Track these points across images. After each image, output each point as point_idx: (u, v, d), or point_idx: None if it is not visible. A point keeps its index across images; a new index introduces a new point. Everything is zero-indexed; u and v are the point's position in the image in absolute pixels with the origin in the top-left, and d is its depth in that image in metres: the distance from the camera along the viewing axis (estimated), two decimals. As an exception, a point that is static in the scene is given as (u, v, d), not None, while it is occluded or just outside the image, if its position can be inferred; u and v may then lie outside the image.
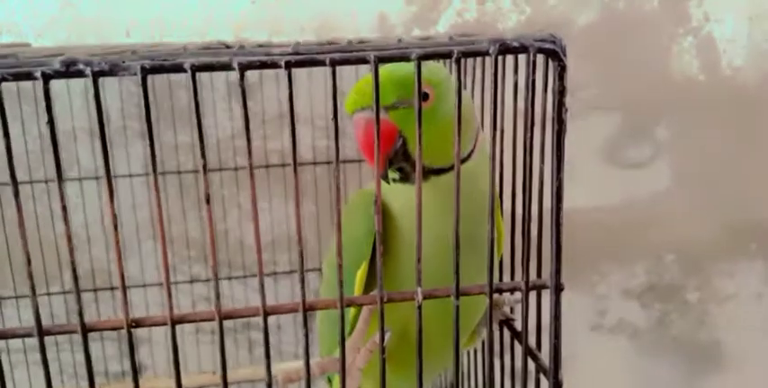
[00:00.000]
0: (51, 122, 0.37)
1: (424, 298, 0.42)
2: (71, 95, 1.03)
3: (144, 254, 1.09)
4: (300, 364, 0.45)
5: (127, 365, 1.11)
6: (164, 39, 1.06)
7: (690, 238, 1.24)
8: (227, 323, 1.18)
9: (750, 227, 1.25)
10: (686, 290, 1.26)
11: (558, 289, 0.43)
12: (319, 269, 1.12)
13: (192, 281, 1.09)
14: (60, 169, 0.38)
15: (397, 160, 0.51)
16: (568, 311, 0.45)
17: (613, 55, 1.15)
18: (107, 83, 1.04)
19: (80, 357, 1.09)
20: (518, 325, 0.56)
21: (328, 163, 1.10)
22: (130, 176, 1.04)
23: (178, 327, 1.09)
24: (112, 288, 1.07)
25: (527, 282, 0.44)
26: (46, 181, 1.02)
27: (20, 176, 1.04)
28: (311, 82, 1.06)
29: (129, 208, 1.06)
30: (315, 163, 1.09)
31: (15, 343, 1.06)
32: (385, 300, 0.42)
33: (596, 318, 1.25)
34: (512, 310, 0.58)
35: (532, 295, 0.47)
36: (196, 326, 1.11)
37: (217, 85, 1.07)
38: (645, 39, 1.16)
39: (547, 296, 0.46)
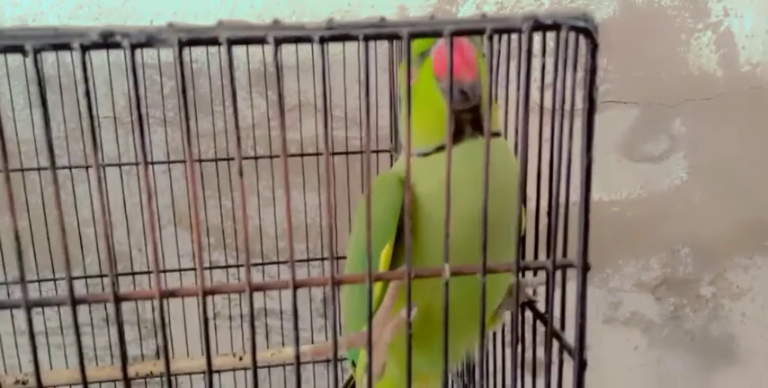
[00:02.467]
0: (88, 94, 0.38)
1: (452, 275, 0.43)
2: (95, 83, 1.04)
3: (163, 240, 1.10)
4: (327, 341, 0.46)
5: (146, 348, 1.13)
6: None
7: (705, 232, 1.24)
8: (245, 309, 1.19)
9: (765, 222, 1.25)
10: (700, 284, 1.26)
11: (585, 268, 0.44)
12: (337, 258, 1.13)
13: (210, 267, 1.10)
14: (96, 141, 0.39)
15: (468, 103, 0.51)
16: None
17: (631, 49, 1.15)
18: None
19: (100, 340, 1.10)
20: (540, 307, 0.56)
21: (345, 153, 1.10)
22: (152, 163, 1.05)
23: (195, 313, 1.10)
24: (134, 274, 1.08)
25: (554, 261, 0.44)
26: (69, 168, 1.03)
27: (43, 162, 1.06)
28: (328, 71, 1.06)
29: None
30: (332, 154, 1.10)
31: (38, 325, 1.08)
32: (413, 276, 0.43)
33: (610, 311, 1.26)
34: (534, 292, 0.58)
35: (557, 278, 0.47)
36: (214, 311, 1.12)
37: (237, 75, 1.08)
38: (663, 33, 1.16)
39: (570, 280, 0.47)
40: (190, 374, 1.00)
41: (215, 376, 1.07)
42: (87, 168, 1.04)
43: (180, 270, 1.08)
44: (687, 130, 1.19)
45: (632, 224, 1.21)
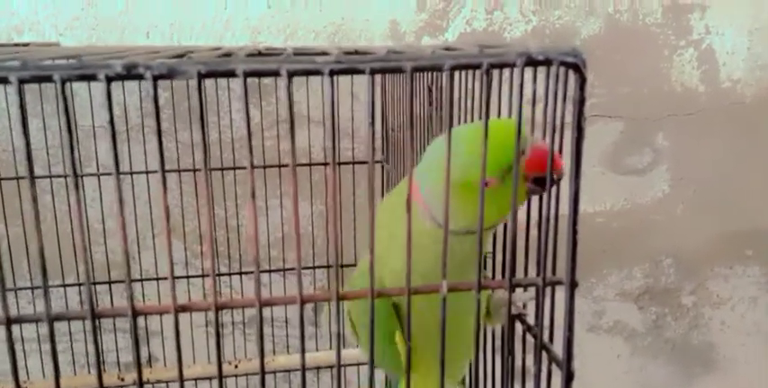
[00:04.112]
0: (112, 122, 0.40)
1: (449, 290, 0.45)
2: (91, 93, 1.05)
3: (158, 249, 1.11)
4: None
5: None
6: (182, 41, 1.09)
7: (687, 243, 1.27)
8: (237, 317, 1.20)
9: (745, 234, 1.29)
10: (682, 294, 1.30)
11: (572, 285, 0.46)
12: (328, 266, 1.15)
13: (203, 275, 1.12)
14: (118, 163, 0.41)
15: None
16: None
17: (616, 65, 1.19)
18: (126, 82, 1.06)
19: (92, 347, 1.12)
20: (529, 320, 0.59)
21: (339, 163, 1.12)
22: (147, 172, 1.07)
23: (186, 322, 1.11)
24: (130, 281, 1.09)
25: (544, 278, 0.47)
26: (65, 176, 1.05)
27: (38, 171, 1.07)
28: (324, 85, 1.09)
29: (144, 204, 1.09)
30: (326, 164, 1.12)
31: (30, 333, 1.09)
32: (412, 292, 0.45)
33: (594, 319, 1.29)
34: (524, 305, 0.61)
35: (547, 293, 0.50)
36: (206, 319, 1.14)
37: (233, 86, 1.10)
38: (647, 50, 1.19)
39: (558, 290, 0.50)
40: (181, 380, 1.01)
41: (205, 383, 1.09)
42: (82, 177, 1.06)
43: (173, 278, 1.09)
44: (670, 144, 1.23)
45: (616, 235, 1.25)
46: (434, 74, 0.80)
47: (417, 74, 0.85)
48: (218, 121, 1.10)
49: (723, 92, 1.22)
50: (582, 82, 0.42)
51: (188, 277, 1.12)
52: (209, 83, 1.09)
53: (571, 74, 0.45)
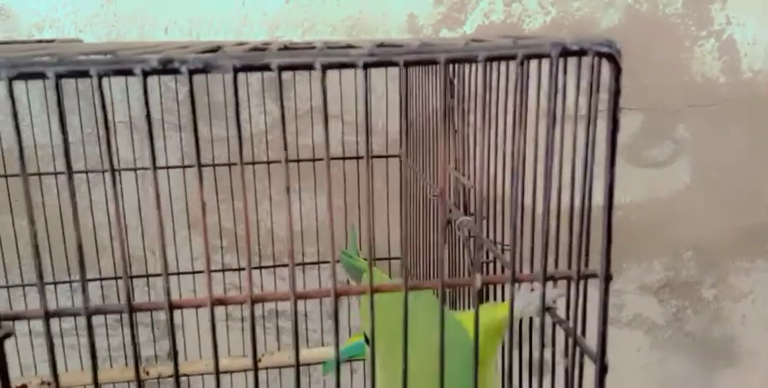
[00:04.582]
0: (149, 116, 0.40)
1: (483, 285, 0.45)
2: (112, 89, 1.06)
3: (178, 243, 1.12)
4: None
5: (159, 349, 1.15)
6: (200, 36, 1.09)
7: (707, 236, 1.27)
8: (255, 311, 1.21)
9: (766, 227, 1.28)
10: (702, 287, 1.29)
11: (607, 278, 0.46)
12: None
13: (223, 270, 1.13)
14: (155, 158, 0.41)
15: None
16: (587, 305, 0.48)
17: (636, 56, 1.18)
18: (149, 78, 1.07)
19: (114, 340, 1.13)
20: (557, 313, 0.59)
21: (357, 158, 1.12)
22: (167, 168, 1.07)
23: (209, 314, 1.11)
24: (148, 276, 1.10)
25: (578, 271, 0.47)
26: (86, 172, 1.05)
27: (58, 167, 1.07)
28: (342, 80, 1.09)
29: (164, 199, 1.09)
30: (344, 158, 1.12)
31: (53, 328, 1.10)
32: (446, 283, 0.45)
33: (614, 312, 1.28)
34: (554, 301, 0.61)
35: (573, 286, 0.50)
36: (227, 313, 1.15)
37: (251, 81, 1.10)
38: (667, 41, 1.18)
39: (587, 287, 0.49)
40: (203, 374, 1.02)
41: (227, 377, 1.10)
42: (104, 172, 1.06)
43: (192, 273, 1.10)
44: (690, 136, 1.22)
45: (636, 228, 1.24)
46: (456, 66, 0.80)
47: (434, 67, 0.85)
48: (237, 116, 1.10)
49: (744, 82, 1.21)
50: (617, 72, 0.42)
51: (209, 271, 1.13)
52: (227, 78, 1.09)
53: (600, 64, 0.45)
